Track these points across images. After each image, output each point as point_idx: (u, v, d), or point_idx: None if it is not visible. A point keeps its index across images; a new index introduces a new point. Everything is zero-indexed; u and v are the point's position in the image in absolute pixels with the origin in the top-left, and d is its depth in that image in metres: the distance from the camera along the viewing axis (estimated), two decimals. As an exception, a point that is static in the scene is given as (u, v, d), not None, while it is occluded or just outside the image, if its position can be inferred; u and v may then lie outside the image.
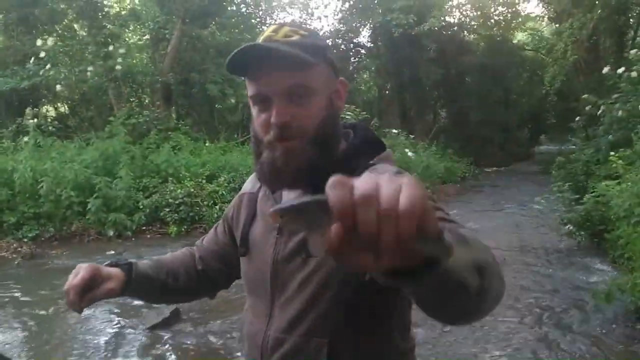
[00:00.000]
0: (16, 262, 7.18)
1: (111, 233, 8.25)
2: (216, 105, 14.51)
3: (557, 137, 21.67)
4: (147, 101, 14.62)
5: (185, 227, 8.65)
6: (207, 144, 12.04)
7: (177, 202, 8.80)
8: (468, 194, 13.72)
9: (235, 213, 1.26)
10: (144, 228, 8.68)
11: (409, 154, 13.23)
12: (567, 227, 7.09)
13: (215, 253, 1.31)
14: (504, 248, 7.34)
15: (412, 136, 15.23)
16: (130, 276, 1.18)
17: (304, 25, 1.06)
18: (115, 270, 1.16)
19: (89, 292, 1.08)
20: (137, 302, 5.35)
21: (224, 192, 9.16)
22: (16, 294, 5.75)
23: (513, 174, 17.80)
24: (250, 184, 1.26)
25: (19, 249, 7.67)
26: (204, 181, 9.58)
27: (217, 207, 8.77)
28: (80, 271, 1.08)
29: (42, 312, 5.16)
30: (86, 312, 1.22)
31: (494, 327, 4.55)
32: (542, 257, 6.86)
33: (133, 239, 8.37)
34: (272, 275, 1.09)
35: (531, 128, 25.69)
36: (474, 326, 4.59)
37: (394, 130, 14.54)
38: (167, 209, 8.76)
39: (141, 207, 8.82)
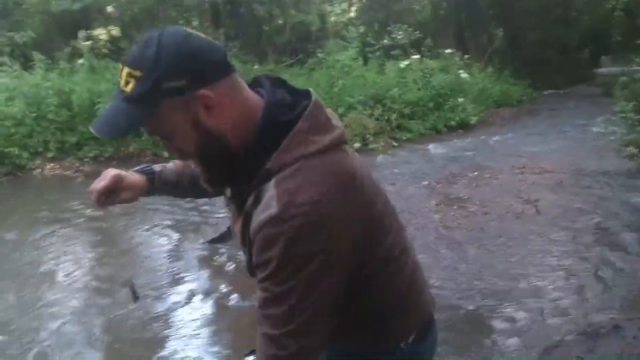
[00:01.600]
0: (79, 180, 7.53)
1: (166, 154, 8.45)
2: (264, 27, 14.29)
3: (621, 58, 20.36)
4: (196, 23, 14.52)
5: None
6: (255, 66, 11.95)
7: (229, 125, 8.90)
8: (524, 117, 13.29)
9: None
10: (198, 150, 8.84)
11: (463, 75, 12.84)
12: (628, 149, 6.81)
13: None
14: (561, 171, 7.16)
15: (467, 56, 14.70)
16: (153, 184, 1.35)
17: (144, 52, 0.90)
18: (138, 180, 1.31)
19: (110, 196, 1.25)
20: (195, 219, 5.58)
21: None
22: (81, 210, 6.04)
23: (572, 97, 17.06)
24: None
25: (81, 168, 8.02)
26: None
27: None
28: (106, 177, 1.23)
29: (107, 225, 5.44)
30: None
31: (548, 249, 4.52)
32: (601, 180, 6.65)
33: (186, 160, 8.56)
34: None
35: (592, 48, 24.23)
36: (527, 247, 4.58)
37: (448, 50, 14.05)
38: (220, 131, 8.89)
39: (194, 129, 8.95)
